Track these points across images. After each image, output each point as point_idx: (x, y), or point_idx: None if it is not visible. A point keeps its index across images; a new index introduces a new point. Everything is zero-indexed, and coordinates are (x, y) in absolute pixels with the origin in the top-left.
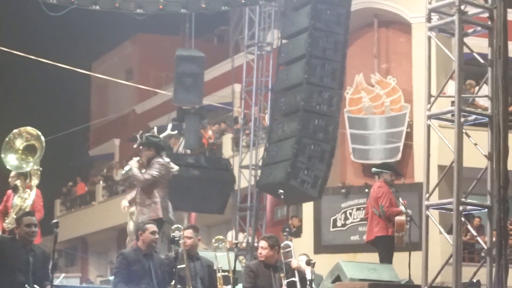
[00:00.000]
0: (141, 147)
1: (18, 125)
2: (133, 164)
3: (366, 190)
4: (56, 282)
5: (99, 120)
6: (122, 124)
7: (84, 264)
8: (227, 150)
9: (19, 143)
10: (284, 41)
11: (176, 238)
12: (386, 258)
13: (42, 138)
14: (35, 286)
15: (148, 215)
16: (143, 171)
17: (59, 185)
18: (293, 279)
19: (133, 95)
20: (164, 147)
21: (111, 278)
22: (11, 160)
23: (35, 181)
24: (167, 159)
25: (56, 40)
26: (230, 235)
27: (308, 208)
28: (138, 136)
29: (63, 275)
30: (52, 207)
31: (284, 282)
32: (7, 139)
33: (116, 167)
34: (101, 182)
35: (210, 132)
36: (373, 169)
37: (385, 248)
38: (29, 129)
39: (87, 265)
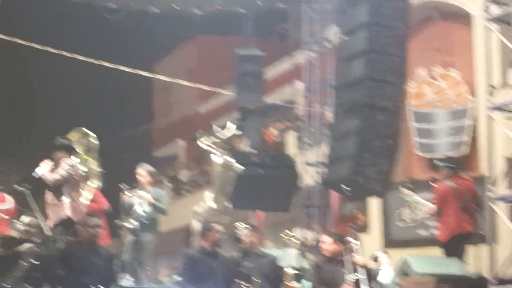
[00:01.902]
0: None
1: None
2: (44, 166)
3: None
4: (124, 283)
5: (163, 120)
6: (186, 125)
7: (154, 265)
8: (290, 148)
9: (79, 147)
10: (344, 37)
11: (238, 237)
12: (462, 254)
13: (92, 135)
14: (99, 287)
15: (58, 215)
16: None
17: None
18: (357, 275)
19: (195, 96)
20: (74, 147)
21: (178, 278)
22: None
23: (95, 183)
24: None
25: (116, 44)
26: (297, 232)
27: (375, 204)
28: (197, 134)
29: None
30: (117, 209)
31: (349, 277)
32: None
33: (181, 168)
34: (167, 183)
35: (273, 130)
36: (441, 164)
37: (465, 245)
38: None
39: (157, 266)
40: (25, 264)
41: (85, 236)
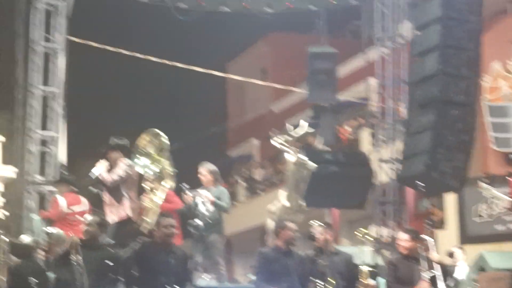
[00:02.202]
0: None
1: (159, 129)
2: (100, 167)
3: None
4: (201, 283)
5: (237, 120)
6: (260, 124)
7: (229, 265)
8: (365, 145)
9: (151, 148)
10: (416, 32)
11: (313, 235)
12: None
13: (163, 136)
14: (175, 287)
15: (117, 215)
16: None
17: (200, 187)
18: (433, 271)
19: (269, 95)
20: (129, 147)
21: (253, 277)
22: (142, 163)
23: (168, 183)
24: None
25: (189, 44)
26: (373, 230)
27: (451, 200)
28: (270, 133)
29: (209, 276)
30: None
31: (424, 275)
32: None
33: (256, 167)
34: (241, 182)
35: (347, 128)
36: None
37: None
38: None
39: (232, 265)
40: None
41: (159, 236)
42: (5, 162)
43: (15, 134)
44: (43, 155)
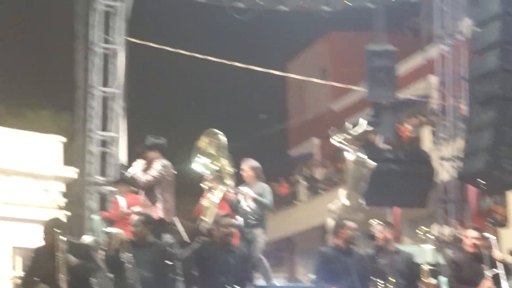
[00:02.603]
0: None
1: (217, 129)
2: (137, 166)
3: None
4: (260, 282)
5: (297, 119)
6: (320, 123)
7: (291, 264)
8: (426, 143)
9: (211, 148)
10: (476, 28)
11: (373, 234)
12: None
13: (221, 135)
14: (235, 286)
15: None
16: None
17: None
18: (496, 270)
19: (329, 93)
20: (166, 147)
21: (313, 276)
22: (200, 163)
23: (228, 182)
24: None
25: (247, 44)
26: (434, 228)
27: None
28: (330, 132)
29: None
30: None
31: (488, 273)
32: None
33: (316, 166)
34: (302, 181)
35: (407, 126)
36: None
37: None
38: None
39: (294, 265)
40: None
41: (218, 236)
42: (67, 163)
43: (75, 135)
44: (103, 156)
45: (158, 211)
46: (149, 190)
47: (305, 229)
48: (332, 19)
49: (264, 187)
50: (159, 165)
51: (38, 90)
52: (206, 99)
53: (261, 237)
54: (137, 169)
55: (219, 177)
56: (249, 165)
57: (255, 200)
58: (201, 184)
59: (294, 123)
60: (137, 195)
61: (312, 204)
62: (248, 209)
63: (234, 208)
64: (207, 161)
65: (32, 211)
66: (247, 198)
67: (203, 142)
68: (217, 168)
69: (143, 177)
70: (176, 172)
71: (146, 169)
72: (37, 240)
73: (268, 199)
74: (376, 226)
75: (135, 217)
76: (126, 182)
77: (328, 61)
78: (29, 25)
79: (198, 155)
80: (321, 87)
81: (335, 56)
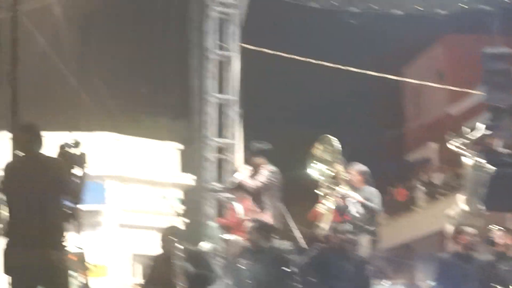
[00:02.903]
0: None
1: (332, 135)
2: (243, 172)
3: None
4: None
5: (414, 124)
6: (437, 127)
7: (410, 270)
8: None
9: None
10: None
11: (492, 240)
12: None
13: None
14: None
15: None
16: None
17: (380, 192)
18: None
19: (445, 97)
20: (268, 151)
21: (432, 283)
22: (316, 169)
23: (343, 188)
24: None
25: (362, 48)
26: None
27: None
28: (447, 136)
29: (389, 282)
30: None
31: None
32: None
33: (434, 171)
34: (420, 187)
35: None
36: None
37: None
38: (325, 137)
39: (413, 271)
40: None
41: (336, 243)
42: (184, 170)
43: (192, 142)
44: (220, 162)
45: (267, 217)
46: (257, 196)
47: (423, 235)
48: (448, 22)
49: (372, 191)
50: (267, 171)
51: (155, 97)
52: (321, 105)
53: (368, 242)
54: (243, 175)
55: (334, 183)
56: (356, 169)
57: (362, 204)
58: (316, 191)
59: (411, 128)
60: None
61: (431, 210)
62: (357, 215)
63: (342, 213)
64: (322, 167)
65: (151, 218)
66: (356, 203)
67: (318, 149)
68: (332, 174)
69: (252, 183)
70: (287, 178)
71: (253, 175)
72: (155, 247)
73: (375, 203)
74: (496, 232)
75: (249, 224)
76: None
77: (445, 65)
78: (145, 33)
79: (314, 161)
80: (438, 91)
81: (451, 59)
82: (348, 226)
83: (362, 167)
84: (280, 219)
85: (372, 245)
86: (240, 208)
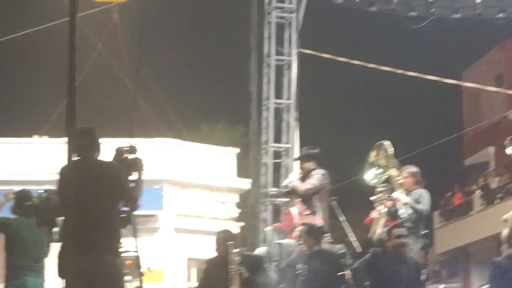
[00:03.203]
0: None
1: (389, 139)
2: (293, 176)
3: None
4: None
5: (472, 128)
6: (495, 132)
7: (466, 274)
8: None
9: (382, 160)
10: None
11: None
12: None
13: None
14: None
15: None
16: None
17: (437, 196)
18: None
19: (504, 101)
20: (322, 157)
21: (487, 287)
22: (372, 174)
23: (398, 192)
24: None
25: (420, 52)
26: None
27: None
28: (505, 142)
29: (443, 285)
30: (430, 219)
31: None
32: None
33: (492, 175)
34: (478, 191)
35: None
36: None
37: None
38: (380, 144)
39: (469, 275)
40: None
41: (391, 246)
42: (241, 174)
43: (250, 147)
44: (277, 167)
45: (317, 220)
46: (307, 199)
47: (480, 239)
48: (508, 26)
49: (421, 192)
50: (318, 174)
51: (213, 103)
52: (379, 109)
53: (414, 245)
54: (293, 179)
55: (389, 188)
56: (408, 171)
57: (411, 206)
58: (371, 198)
59: (470, 132)
60: None
61: (488, 214)
62: (407, 216)
63: (393, 216)
64: (377, 172)
65: (207, 223)
66: (404, 205)
67: (372, 157)
68: (386, 179)
69: (302, 186)
70: (346, 184)
71: (303, 179)
72: (210, 251)
73: (423, 204)
74: None
75: (300, 228)
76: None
77: (504, 69)
78: (205, 39)
79: (369, 167)
80: (497, 95)
81: (510, 63)
82: (400, 229)
83: (413, 168)
84: (332, 222)
85: (425, 248)
86: (296, 212)
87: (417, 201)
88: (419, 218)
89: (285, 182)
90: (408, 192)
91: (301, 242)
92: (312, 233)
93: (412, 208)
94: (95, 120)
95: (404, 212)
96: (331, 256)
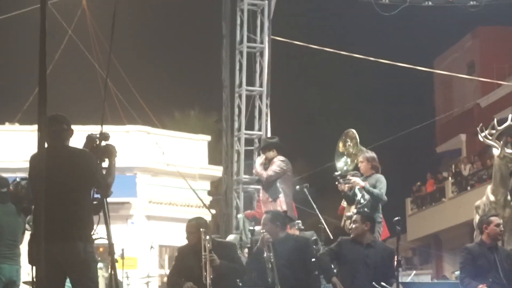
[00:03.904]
0: (261, 151)
1: (357, 127)
2: (257, 164)
3: None
4: (407, 279)
5: (444, 115)
6: (468, 119)
7: (438, 261)
8: None
9: (351, 147)
10: None
11: None
12: None
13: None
14: (382, 283)
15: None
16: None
17: (409, 183)
18: None
19: (476, 89)
20: (283, 145)
21: (458, 273)
22: (343, 162)
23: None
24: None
25: (393, 40)
26: None
27: None
28: (479, 129)
29: (414, 272)
30: (403, 206)
31: None
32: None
33: (464, 162)
34: (450, 178)
35: None
36: None
37: None
38: (350, 132)
39: (441, 262)
40: None
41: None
42: (213, 161)
43: (222, 134)
44: (249, 154)
45: (282, 205)
46: (269, 186)
47: (452, 226)
48: (480, 14)
49: (378, 177)
50: (279, 161)
51: (186, 90)
52: (352, 96)
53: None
54: (257, 167)
55: (357, 175)
56: (363, 156)
57: (366, 191)
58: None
59: (442, 120)
60: None
61: (460, 201)
62: (363, 202)
63: (350, 200)
64: (347, 160)
65: (179, 210)
66: (361, 189)
67: (341, 145)
68: (354, 166)
69: (265, 173)
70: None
71: (266, 167)
72: (182, 238)
73: (380, 189)
74: None
75: (264, 216)
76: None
77: (476, 57)
78: (178, 27)
79: (339, 155)
80: (469, 83)
81: (483, 51)
82: (355, 215)
83: (370, 154)
84: (304, 209)
85: (397, 235)
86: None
87: (375, 186)
88: (376, 203)
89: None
90: (366, 178)
91: (264, 230)
92: (276, 220)
93: (368, 192)
94: (67, 107)
95: (360, 196)
96: (297, 242)
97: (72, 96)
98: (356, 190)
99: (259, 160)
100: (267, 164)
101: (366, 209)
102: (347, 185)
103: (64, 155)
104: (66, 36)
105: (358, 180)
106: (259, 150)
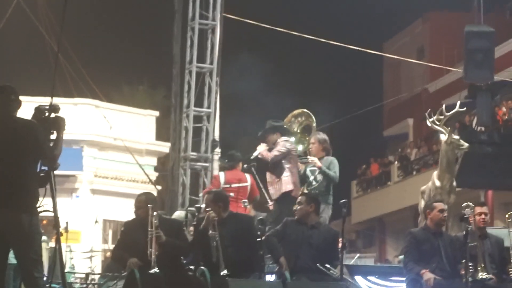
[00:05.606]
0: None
1: (310, 107)
2: (260, 148)
3: None
4: (350, 262)
5: (392, 99)
6: (415, 103)
7: (382, 244)
8: None
9: (296, 127)
10: None
11: (466, 216)
12: None
13: (313, 116)
14: (326, 265)
15: (279, 191)
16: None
17: (354, 166)
18: None
19: (425, 74)
20: (287, 129)
21: (401, 257)
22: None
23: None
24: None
25: (345, 22)
26: None
27: None
28: (427, 114)
29: (357, 255)
30: (348, 189)
31: None
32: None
33: (410, 147)
34: (396, 162)
35: (504, 109)
36: None
37: None
38: (300, 111)
39: (385, 245)
40: None
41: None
42: (160, 137)
43: (170, 110)
44: (197, 131)
45: (287, 184)
46: (275, 166)
47: (396, 210)
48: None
49: (331, 160)
50: (283, 141)
51: (136, 65)
52: (301, 77)
53: (324, 213)
54: (261, 150)
55: (305, 154)
56: (316, 138)
57: (321, 172)
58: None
59: (390, 104)
60: (240, 171)
61: (405, 185)
62: (315, 183)
63: (303, 181)
64: (298, 140)
65: (124, 185)
66: (314, 171)
67: (293, 122)
68: (303, 146)
69: (271, 154)
70: None
71: (270, 150)
72: (128, 213)
73: (334, 171)
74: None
75: (206, 196)
76: (234, 160)
77: (426, 42)
78: (129, 2)
79: (290, 134)
80: (418, 68)
81: (432, 36)
82: (300, 196)
83: (322, 136)
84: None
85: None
86: (222, 178)
87: (328, 168)
88: (329, 185)
89: (253, 155)
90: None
91: (209, 209)
92: (219, 200)
93: (324, 173)
94: (14, 77)
95: (312, 178)
96: (240, 222)
97: (20, 66)
98: (308, 172)
99: (262, 147)
100: (270, 147)
101: (318, 191)
102: (301, 164)
103: (11, 125)
104: (13, 2)
105: (315, 160)
106: (262, 134)
